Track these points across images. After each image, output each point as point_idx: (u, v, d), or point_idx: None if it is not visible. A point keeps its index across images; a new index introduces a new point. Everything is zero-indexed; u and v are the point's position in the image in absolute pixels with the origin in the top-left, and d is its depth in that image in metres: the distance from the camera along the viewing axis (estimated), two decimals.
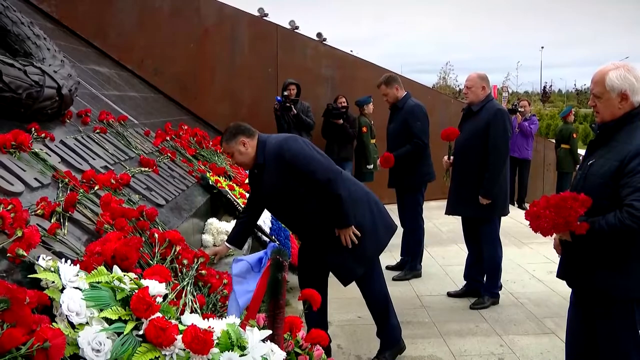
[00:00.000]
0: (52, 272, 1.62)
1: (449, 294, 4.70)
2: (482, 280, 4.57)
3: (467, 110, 4.48)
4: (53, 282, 1.60)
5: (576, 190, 2.40)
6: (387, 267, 5.48)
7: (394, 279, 5.14)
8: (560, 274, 2.70)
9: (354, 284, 3.37)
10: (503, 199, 4.39)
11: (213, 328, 1.61)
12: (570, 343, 2.75)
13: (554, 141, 10.93)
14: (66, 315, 1.50)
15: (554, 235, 2.59)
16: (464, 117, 4.53)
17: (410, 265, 5.28)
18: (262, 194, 3.17)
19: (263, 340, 1.69)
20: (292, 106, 7.07)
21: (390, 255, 5.84)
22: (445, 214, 4.59)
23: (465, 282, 4.73)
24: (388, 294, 3.51)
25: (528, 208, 2.51)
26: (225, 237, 3.57)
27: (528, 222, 2.48)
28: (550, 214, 2.34)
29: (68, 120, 3.44)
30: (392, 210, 5.45)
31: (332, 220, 3.11)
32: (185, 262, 2.33)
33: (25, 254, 1.67)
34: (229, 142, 3.08)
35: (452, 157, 4.58)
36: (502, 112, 4.30)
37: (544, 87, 44.40)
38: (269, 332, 1.74)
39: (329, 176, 3.02)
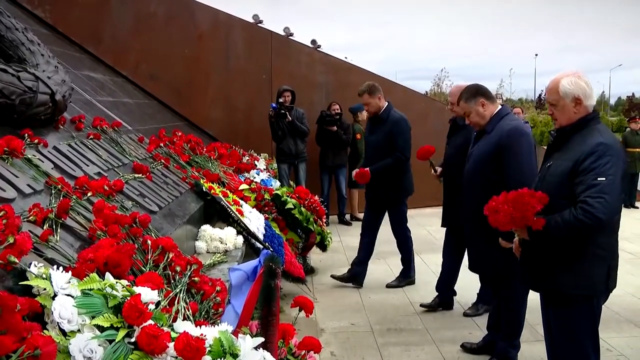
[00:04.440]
0: (43, 279, 1.61)
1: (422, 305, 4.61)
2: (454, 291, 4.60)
3: (454, 123, 4.39)
4: (45, 289, 1.58)
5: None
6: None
7: (387, 286, 5.14)
8: (523, 280, 2.78)
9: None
10: None
11: (205, 335, 1.60)
12: (549, 344, 2.79)
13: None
14: (57, 323, 1.49)
15: (515, 238, 2.71)
16: (452, 129, 4.43)
17: (403, 273, 5.28)
18: (470, 156, 3.47)
19: (256, 348, 1.69)
20: (287, 113, 7.08)
21: (384, 263, 5.85)
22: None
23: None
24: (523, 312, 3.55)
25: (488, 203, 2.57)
26: (219, 244, 3.56)
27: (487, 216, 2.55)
28: (508, 209, 2.42)
29: (61, 126, 3.42)
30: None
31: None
32: (178, 269, 2.32)
33: (17, 261, 1.66)
34: (468, 101, 3.35)
35: (439, 169, 4.51)
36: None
37: (540, 94, 44.67)
38: (261, 339, 1.74)
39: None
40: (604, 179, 2.33)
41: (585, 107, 2.52)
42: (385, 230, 5.30)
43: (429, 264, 5.72)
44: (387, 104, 5.06)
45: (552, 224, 2.41)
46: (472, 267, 3.67)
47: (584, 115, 2.52)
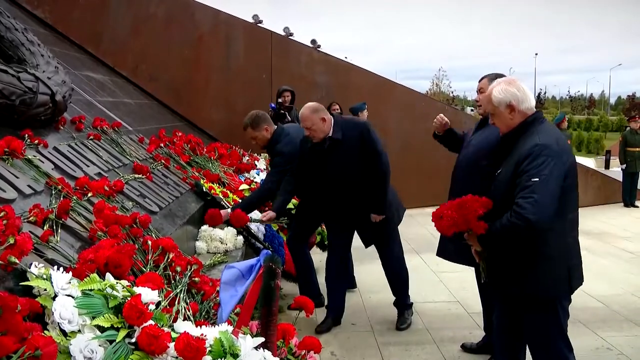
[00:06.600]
0: (44, 279, 1.62)
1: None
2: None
3: (330, 142, 3.88)
4: (45, 289, 1.59)
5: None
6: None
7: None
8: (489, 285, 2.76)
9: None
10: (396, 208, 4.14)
11: (206, 336, 1.60)
12: (498, 339, 2.84)
13: None
14: (58, 323, 1.50)
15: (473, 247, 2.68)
16: (325, 152, 3.89)
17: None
18: (469, 144, 3.46)
19: (256, 348, 1.69)
20: (287, 113, 7.07)
21: None
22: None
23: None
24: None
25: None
26: (219, 244, 3.57)
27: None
28: (452, 214, 2.46)
29: (62, 127, 3.43)
30: None
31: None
32: (178, 269, 2.33)
33: (18, 262, 1.66)
34: (492, 82, 3.32)
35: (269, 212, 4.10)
36: (368, 124, 3.95)
37: (539, 94, 44.83)
38: (261, 339, 1.74)
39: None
40: (537, 179, 2.31)
41: (522, 111, 2.52)
42: None
43: (429, 264, 5.72)
44: (275, 128, 4.49)
45: (492, 229, 2.42)
46: (441, 254, 3.64)
47: (522, 120, 2.53)
